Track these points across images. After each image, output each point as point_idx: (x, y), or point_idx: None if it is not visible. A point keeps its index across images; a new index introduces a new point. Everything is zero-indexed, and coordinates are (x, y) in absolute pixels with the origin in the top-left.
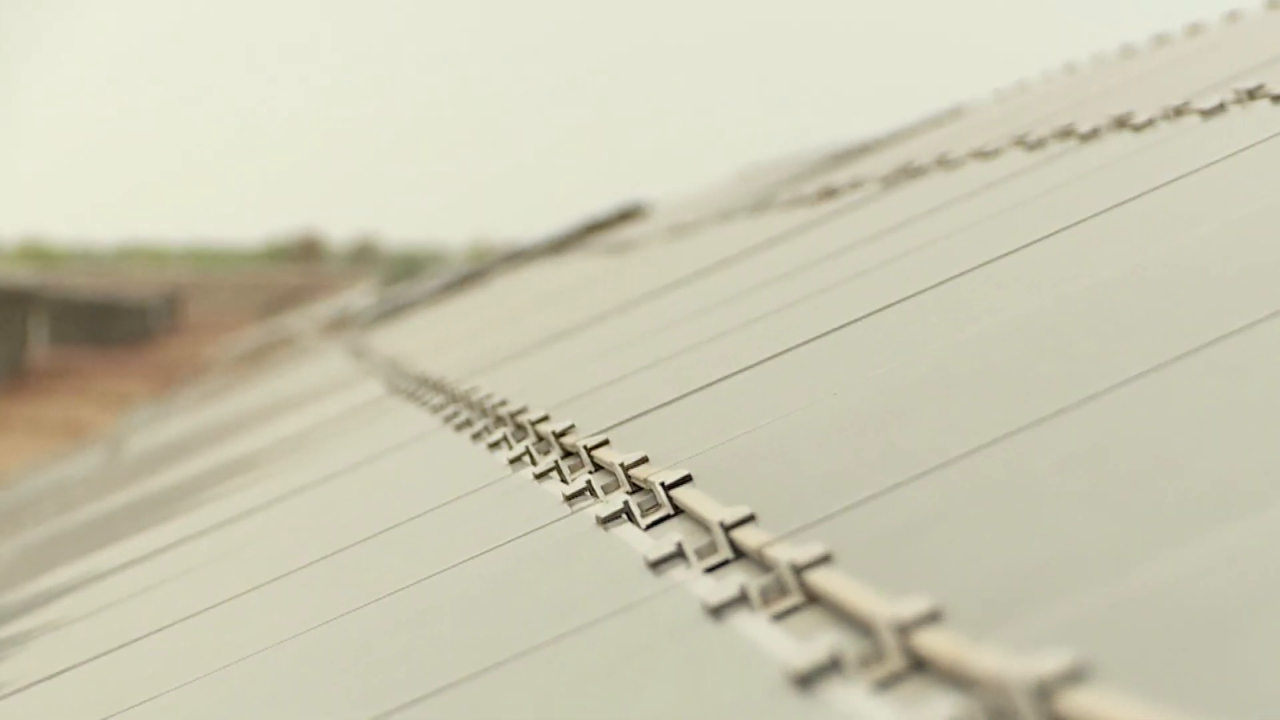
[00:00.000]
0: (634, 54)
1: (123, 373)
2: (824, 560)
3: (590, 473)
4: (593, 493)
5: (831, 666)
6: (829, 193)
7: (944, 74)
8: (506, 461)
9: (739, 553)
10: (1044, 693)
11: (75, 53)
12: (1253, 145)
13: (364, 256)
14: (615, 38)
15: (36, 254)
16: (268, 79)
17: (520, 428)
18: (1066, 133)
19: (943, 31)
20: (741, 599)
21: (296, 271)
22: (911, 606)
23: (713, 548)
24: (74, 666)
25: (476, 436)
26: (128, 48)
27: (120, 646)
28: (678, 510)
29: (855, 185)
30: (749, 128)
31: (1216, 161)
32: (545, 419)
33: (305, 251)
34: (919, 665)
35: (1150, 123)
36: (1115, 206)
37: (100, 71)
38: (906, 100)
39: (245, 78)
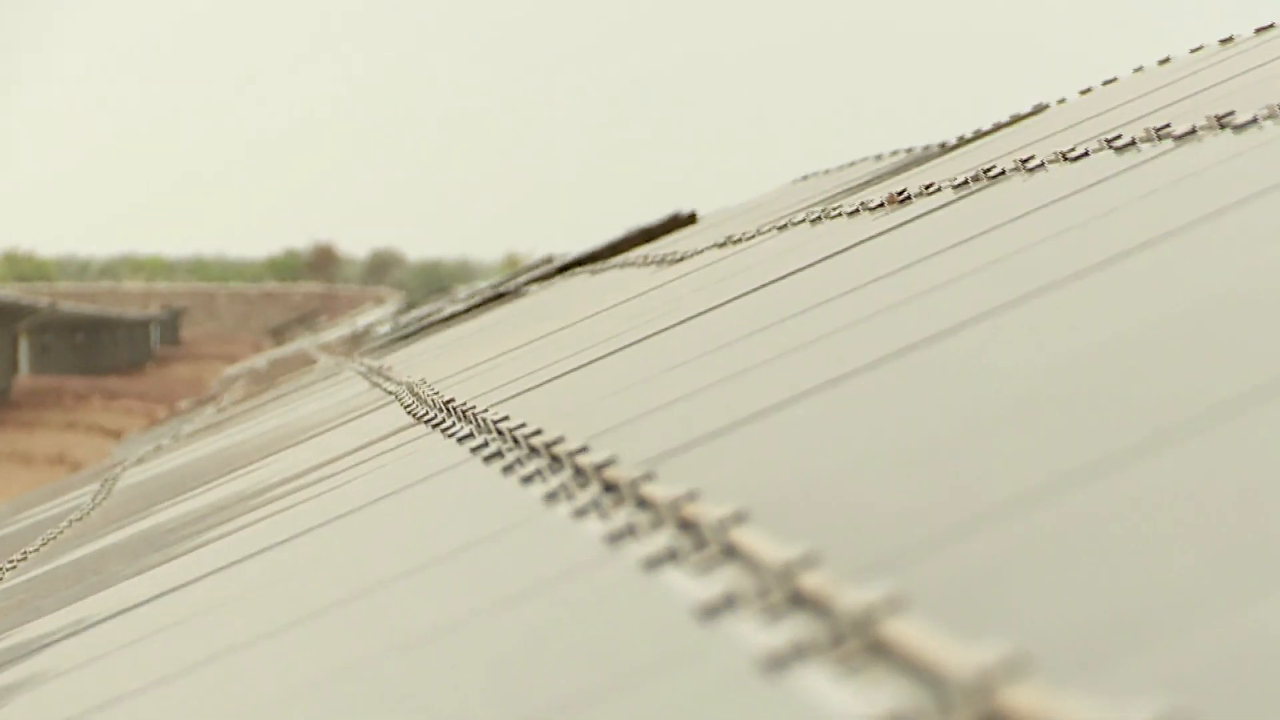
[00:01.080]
0: (683, 61)
1: (119, 399)
2: (893, 605)
3: (634, 509)
4: (637, 532)
5: None
6: (898, 199)
7: (1025, 76)
8: (541, 497)
9: (799, 598)
10: None
11: (73, 57)
12: None
13: (383, 270)
14: (661, 45)
15: (23, 267)
16: (283, 86)
17: (556, 459)
18: (1161, 133)
19: (1024, 31)
20: (802, 649)
21: (311, 286)
22: (989, 655)
23: (770, 592)
24: None
25: (508, 469)
26: (129, 51)
27: (115, 700)
28: (731, 551)
29: (927, 191)
30: (807, 138)
31: None
32: (584, 450)
33: (320, 263)
34: None
35: (1253, 122)
36: (1215, 214)
37: (99, 76)
38: (984, 104)
39: (260, 83)
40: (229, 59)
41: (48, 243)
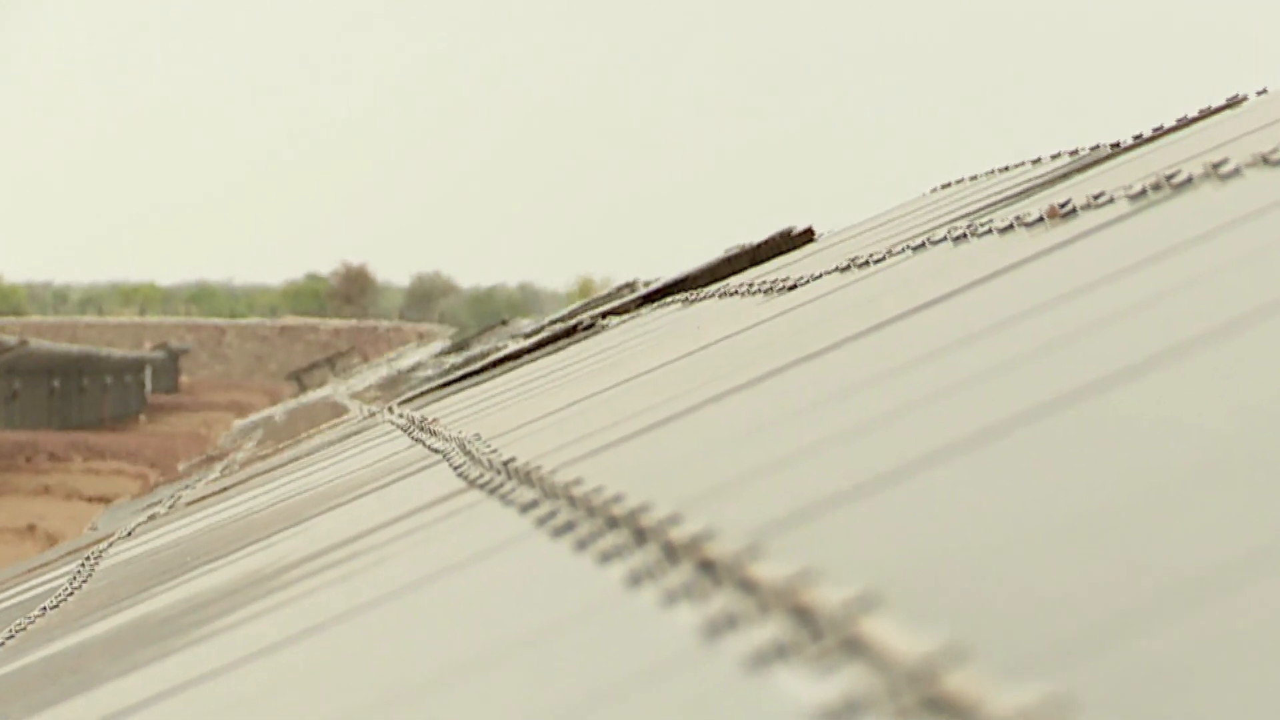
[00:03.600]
0: (796, 49)
1: (104, 458)
2: (1053, 710)
3: (736, 593)
4: (739, 621)
5: None
6: (1060, 213)
7: (1217, 63)
8: (622, 578)
9: (939, 702)
10: None
11: (51, 46)
12: None
13: (428, 300)
14: (770, 30)
15: None
16: (305, 81)
17: (640, 532)
18: None
19: (1215, 13)
20: None
21: (339, 320)
22: None
23: (903, 694)
24: None
25: (581, 544)
26: (119, 41)
27: None
28: (855, 644)
29: (1096, 202)
30: (948, 139)
31: None
32: (674, 520)
33: (351, 292)
34: None
35: None
36: None
37: (82, 70)
38: (1167, 97)
39: (276, 78)
40: (240, 51)
41: (18, 266)
